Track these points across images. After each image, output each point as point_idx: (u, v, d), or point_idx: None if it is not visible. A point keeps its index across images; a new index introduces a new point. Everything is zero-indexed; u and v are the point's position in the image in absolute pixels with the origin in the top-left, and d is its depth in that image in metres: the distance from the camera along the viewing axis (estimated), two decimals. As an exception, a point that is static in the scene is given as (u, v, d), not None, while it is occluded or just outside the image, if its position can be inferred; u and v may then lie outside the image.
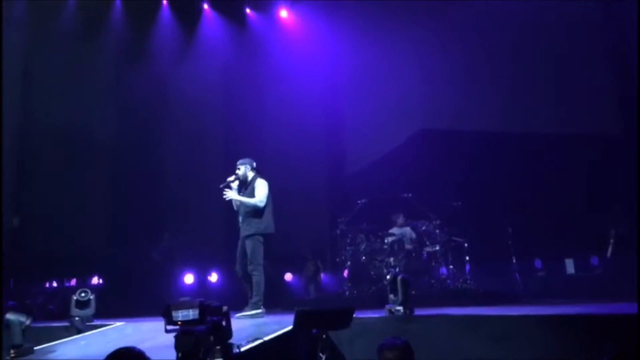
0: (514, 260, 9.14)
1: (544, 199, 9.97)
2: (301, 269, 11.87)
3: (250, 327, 6.16)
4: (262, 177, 7.35)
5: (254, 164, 7.46)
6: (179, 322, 4.29)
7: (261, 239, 6.99)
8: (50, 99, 13.16)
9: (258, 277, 6.92)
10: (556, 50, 9.91)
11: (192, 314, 4.40)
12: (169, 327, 4.30)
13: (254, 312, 6.89)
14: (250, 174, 7.39)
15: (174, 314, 4.47)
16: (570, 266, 9.35)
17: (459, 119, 10.21)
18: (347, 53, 12.52)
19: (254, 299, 6.96)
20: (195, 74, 13.91)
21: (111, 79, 13.53)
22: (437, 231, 8.87)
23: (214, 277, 11.45)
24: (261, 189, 7.14)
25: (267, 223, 7.05)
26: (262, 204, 7.05)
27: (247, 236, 7.01)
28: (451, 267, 8.90)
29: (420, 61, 10.56)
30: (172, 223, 13.80)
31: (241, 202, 7.17)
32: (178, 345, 3.57)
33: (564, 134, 9.89)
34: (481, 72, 10.36)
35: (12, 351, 5.94)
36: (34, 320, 7.96)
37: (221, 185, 7.37)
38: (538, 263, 10.00)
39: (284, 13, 13.47)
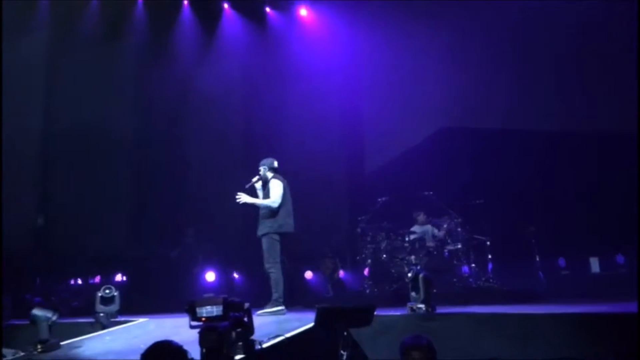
0: (538, 259, 9.02)
1: (569, 196, 9.83)
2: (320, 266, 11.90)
3: (272, 324, 6.19)
4: (278, 177, 7.41)
5: (274, 164, 7.53)
6: (203, 319, 4.34)
7: (276, 237, 7.07)
8: (75, 100, 13.34)
9: (275, 274, 7.03)
10: (585, 47, 9.75)
11: (215, 310, 4.45)
12: (193, 323, 4.36)
13: (274, 309, 6.98)
14: (269, 175, 7.46)
15: (198, 310, 4.53)
16: (595, 265, 9.21)
17: (481, 117, 10.12)
18: (367, 51, 12.49)
19: (274, 297, 7.05)
20: (216, 73, 13.99)
21: (133, 79, 13.66)
22: (459, 229, 8.81)
23: (235, 275, 11.50)
24: (275, 189, 7.21)
25: (281, 222, 7.12)
26: (275, 205, 7.13)
27: (262, 235, 7.15)
28: (473, 265, 8.83)
29: (442, 59, 10.48)
30: (194, 221, 13.92)
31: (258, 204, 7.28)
32: (202, 341, 3.61)
33: (588, 131, 9.74)
34: (503, 69, 10.25)
35: (39, 346, 6.04)
36: (60, 316, 8.11)
37: (246, 186, 7.44)
38: (562, 262, 9.86)
39: (303, 11, 13.47)
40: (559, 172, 9.95)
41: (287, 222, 7.13)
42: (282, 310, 7.01)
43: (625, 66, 8.98)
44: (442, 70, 10.58)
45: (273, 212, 7.11)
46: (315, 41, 13.09)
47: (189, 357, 2.34)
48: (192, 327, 4.36)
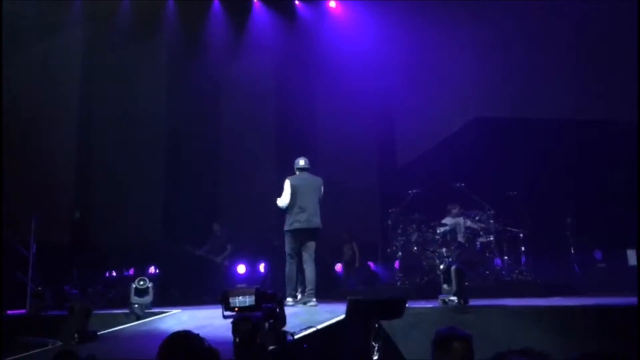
0: (573, 252, 8.85)
1: (605, 187, 9.60)
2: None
3: (304, 315, 6.22)
4: (293, 176, 7.45)
5: (299, 163, 7.56)
6: (236, 309, 4.39)
7: (288, 234, 7.19)
8: (109, 95, 13.61)
9: (286, 268, 7.20)
10: (621, 36, 9.48)
11: (248, 300, 4.51)
12: (227, 313, 4.41)
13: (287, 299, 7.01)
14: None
15: (231, 300, 4.58)
16: (632, 257, 8.99)
17: (515, 107, 9.91)
18: (398, 42, 12.37)
19: (287, 290, 7.19)
20: (247, 67, 14.08)
21: (166, 75, 13.85)
22: (491, 221, 8.68)
23: (261, 268, 11.62)
24: (283, 189, 7.33)
25: (292, 219, 7.17)
26: (280, 204, 7.29)
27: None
28: (506, 258, 8.71)
29: (475, 49, 10.31)
30: (226, 214, 14.06)
31: None
32: (236, 331, 3.65)
33: (625, 121, 9.47)
34: (538, 58, 10.03)
35: (76, 336, 6.19)
36: (96, 307, 8.30)
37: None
38: (598, 254, 9.66)
39: (332, 3, 13.46)
40: (595, 163, 9.71)
41: (297, 219, 7.09)
42: (291, 302, 7.04)
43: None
44: (475, 60, 10.41)
45: (285, 211, 7.24)
46: (345, 33, 13.06)
47: (206, 344, 2.36)
48: (225, 317, 4.41)
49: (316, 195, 7.28)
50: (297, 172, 7.47)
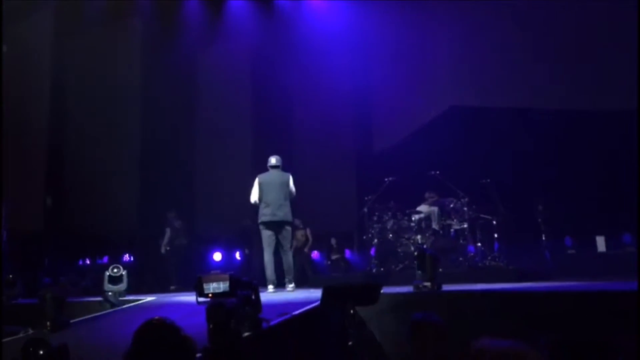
0: (544, 238, 9.01)
1: (576, 176, 9.78)
2: (323, 246, 11.97)
3: (279, 302, 6.24)
4: (262, 174, 7.85)
5: (270, 161, 7.88)
6: (210, 294, 4.37)
7: (261, 226, 7.63)
8: (82, 80, 13.39)
9: (264, 258, 7.59)
10: (591, 24, 9.61)
11: (222, 286, 4.50)
12: (201, 299, 4.39)
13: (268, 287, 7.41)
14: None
15: (205, 286, 4.58)
16: (601, 244, 9.19)
17: (490, 96, 10.01)
18: (374, 29, 12.37)
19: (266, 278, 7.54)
20: (222, 52, 13.95)
21: (140, 59, 13.65)
22: (465, 209, 8.78)
23: (238, 255, 11.61)
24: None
25: (260, 214, 7.65)
26: (250, 199, 7.77)
27: None
28: (479, 244, 8.83)
29: (450, 37, 10.36)
30: (201, 202, 13.99)
31: None
32: (209, 317, 3.63)
33: (596, 110, 9.64)
34: (512, 47, 10.12)
35: (48, 324, 6.11)
36: (69, 295, 8.20)
37: None
38: (568, 241, 9.86)
39: (309, -11, 13.38)
40: (566, 151, 9.89)
41: (263, 213, 7.54)
42: (270, 291, 7.35)
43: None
44: (450, 49, 10.47)
45: (257, 206, 7.71)
46: (322, 20, 13.00)
47: (182, 334, 2.35)
48: (199, 303, 4.39)
49: (282, 190, 7.59)
50: (269, 169, 7.83)
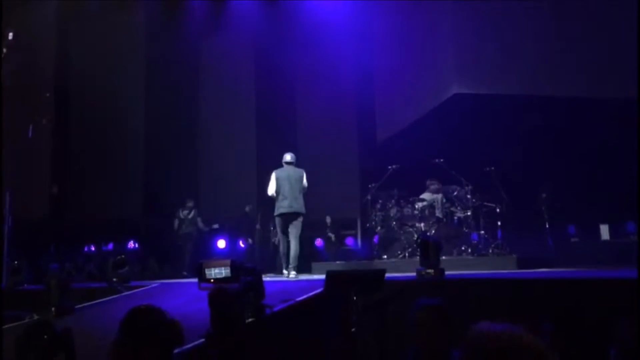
0: (547, 226, 9.00)
1: (580, 164, 9.75)
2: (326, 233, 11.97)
3: (283, 289, 6.27)
4: (278, 170, 8.41)
5: (285, 158, 8.44)
6: (212, 280, 4.39)
7: (276, 218, 8.35)
8: (86, 68, 13.40)
9: (280, 247, 8.40)
10: (601, 11, 9.51)
11: (224, 272, 4.53)
12: (203, 285, 4.41)
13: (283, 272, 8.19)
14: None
15: (206, 271, 4.60)
16: (605, 232, 9.19)
17: (494, 84, 9.94)
18: (378, 17, 12.31)
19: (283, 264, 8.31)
20: (226, 39, 13.93)
21: (144, 46, 13.65)
22: (469, 196, 8.78)
23: (241, 244, 11.65)
24: (270, 181, 8.41)
25: (277, 206, 8.25)
26: (268, 193, 8.42)
27: None
28: (482, 232, 8.83)
29: (455, 25, 10.26)
30: (205, 189, 14.03)
31: None
32: (212, 302, 3.65)
33: (602, 98, 9.57)
34: (518, 34, 10.04)
35: (53, 310, 6.17)
36: (74, 282, 8.26)
37: None
38: (572, 229, 9.86)
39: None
40: (571, 139, 9.84)
41: (281, 206, 8.18)
42: (284, 275, 8.09)
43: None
44: (455, 36, 10.38)
45: (274, 199, 8.32)
46: (327, 8, 12.93)
47: (169, 318, 2.37)
48: (201, 288, 4.41)
49: (297, 185, 8.23)
50: (284, 165, 8.40)
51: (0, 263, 8.57)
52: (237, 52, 14.05)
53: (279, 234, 8.44)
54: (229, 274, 4.44)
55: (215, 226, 11.70)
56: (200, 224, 11.61)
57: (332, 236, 11.72)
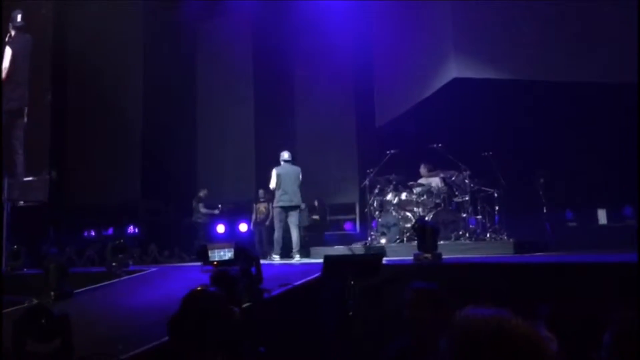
0: (545, 211, 9.01)
1: (578, 148, 9.73)
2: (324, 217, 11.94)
3: (281, 273, 6.30)
4: (278, 167, 9.14)
5: (282, 156, 9.19)
6: (215, 262, 4.42)
7: (275, 209, 9.17)
8: (84, 50, 13.33)
9: (275, 233, 9.13)
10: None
11: (228, 254, 4.56)
12: (205, 268, 4.43)
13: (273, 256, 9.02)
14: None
15: (210, 254, 4.63)
16: (602, 216, 9.21)
17: (493, 68, 9.88)
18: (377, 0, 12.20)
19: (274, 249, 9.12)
20: (224, 24, 13.85)
21: (142, 29, 13.55)
22: (467, 181, 8.77)
23: (243, 227, 11.65)
24: (271, 177, 9.16)
25: (277, 199, 9.05)
26: (270, 187, 9.25)
27: None
28: (480, 217, 8.84)
29: (455, 8, 10.17)
30: (204, 174, 14.03)
31: None
32: (214, 284, 3.66)
33: (599, 82, 9.52)
34: (517, 17, 9.96)
35: (52, 294, 6.19)
36: (74, 266, 8.29)
37: None
38: (569, 213, 9.87)
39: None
40: (568, 124, 9.82)
41: (281, 199, 8.99)
42: (275, 259, 8.85)
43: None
44: (454, 20, 10.29)
45: (274, 191, 9.13)
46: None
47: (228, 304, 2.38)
48: (203, 271, 4.44)
49: (296, 181, 9.05)
50: (282, 163, 9.13)
51: (-1, 248, 8.61)
52: (235, 37, 13.96)
53: (277, 223, 9.10)
54: (232, 257, 4.47)
55: (216, 211, 11.73)
56: (203, 210, 11.66)
57: (317, 218, 11.58)
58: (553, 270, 5.10)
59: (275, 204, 9.20)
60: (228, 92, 14.00)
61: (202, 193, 11.92)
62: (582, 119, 9.53)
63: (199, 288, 2.39)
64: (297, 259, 8.74)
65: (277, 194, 9.07)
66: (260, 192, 11.18)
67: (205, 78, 14.44)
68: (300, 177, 9.19)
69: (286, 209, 9.01)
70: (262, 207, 11.14)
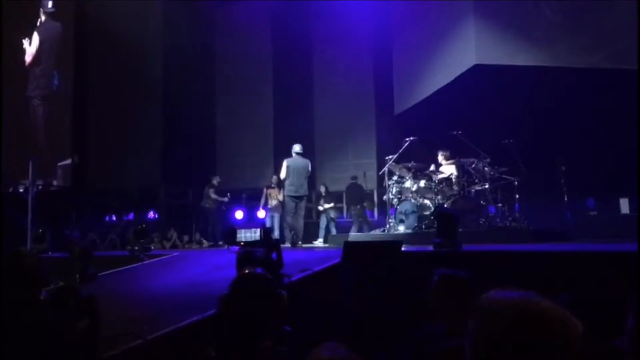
0: (566, 199, 8.93)
1: (600, 136, 9.60)
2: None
3: (301, 259, 6.36)
4: (289, 159, 9.67)
5: (294, 149, 9.72)
6: (242, 243, 4.52)
7: (287, 197, 9.73)
8: (105, 42, 13.43)
9: (288, 220, 9.73)
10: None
11: (254, 235, 4.72)
12: (232, 248, 4.54)
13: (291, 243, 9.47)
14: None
15: (238, 234, 4.79)
16: (625, 206, 9.10)
17: (515, 54, 9.76)
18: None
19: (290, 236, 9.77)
20: (243, 8, 13.85)
21: (161, 15, 13.61)
22: (487, 169, 8.71)
23: (261, 214, 11.74)
24: (282, 167, 9.78)
25: (287, 188, 9.66)
26: (281, 177, 9.92)
27: None
28: (500, 205, 8.79)
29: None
30: (222, 160, 14.13)
31: None
32: (240, 264, 3.72)
33: (622, 69, 9.36)
34: (540, 2, 9.82)
35: (77, 276, 6.31)
36: (97, 250, 8.44)
37: None
38: (591, 202, 9.77)
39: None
40: (590, 111, 9.68)
41: (290, 190, 9.61)
42: (289, 246, 9.26)
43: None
44: (476, 5, 10.18)
45: (285, 181, 9.71)
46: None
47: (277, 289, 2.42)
48: (230, 251, 4.53)
49: (304, 173, 9.66)
50: (293, 155, 9.67)
51: (25, 231, 8.78)
52: (254, 22, 13.97)
53: (288, 210, 9.70)
54: (258, 237, 4.63)
55: (225, 199, 11.83)
56: (213, 196, 11.76)
57: (322, 207, 11.50)
58: (573, 259, 5.08)
59: (286, 192, 9.84)
60: (247, 79, 14.04)
61: (214, 180, 12.05)
62: (605, 106, 9.38)
63: (251, 271, 2.43)
64: (297, 242, 9.51)
65: (286, 183, 9.72)
66: (274, 178, 11.27)
67: (224, 63, 14.50)
68: (309, 169, 9.83)
69: (295, 199, 9.63)
70: (273, 192, 11.25)
